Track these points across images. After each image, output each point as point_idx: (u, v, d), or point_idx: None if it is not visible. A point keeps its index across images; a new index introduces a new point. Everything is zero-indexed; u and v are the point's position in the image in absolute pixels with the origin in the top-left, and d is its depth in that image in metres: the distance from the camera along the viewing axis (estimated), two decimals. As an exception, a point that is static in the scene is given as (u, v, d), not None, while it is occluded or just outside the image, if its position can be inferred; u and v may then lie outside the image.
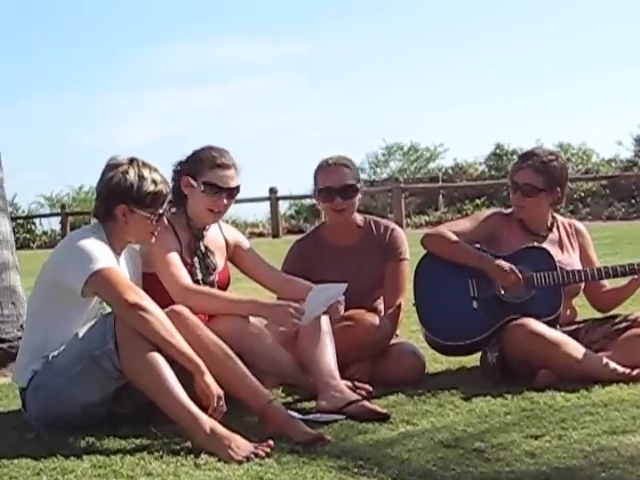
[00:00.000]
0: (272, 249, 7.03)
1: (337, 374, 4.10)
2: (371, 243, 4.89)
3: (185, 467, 3.32)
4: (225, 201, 4.37)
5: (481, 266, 4.65)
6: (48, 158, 43.19)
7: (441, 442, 3.52)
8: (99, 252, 3.84)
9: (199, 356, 3.66)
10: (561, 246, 4.87)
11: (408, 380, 4.55)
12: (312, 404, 4.12)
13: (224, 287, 4.46)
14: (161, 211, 4.03)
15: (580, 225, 5.07)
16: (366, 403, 3.98)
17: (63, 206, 26.50)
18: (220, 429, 3.49)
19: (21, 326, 5.41)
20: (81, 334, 3.84)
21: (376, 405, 4.01)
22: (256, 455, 3.39)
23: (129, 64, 47.08)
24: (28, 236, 26.18)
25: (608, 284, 4.95)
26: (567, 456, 3.28)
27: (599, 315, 4.94)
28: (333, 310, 4.28)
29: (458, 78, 44.88)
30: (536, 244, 4.78)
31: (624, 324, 4.64)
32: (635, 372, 4.36)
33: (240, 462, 3.35)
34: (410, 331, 5.74)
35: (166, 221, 4.12)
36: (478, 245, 4.83)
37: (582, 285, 4.84)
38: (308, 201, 25.40)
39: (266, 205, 23.47)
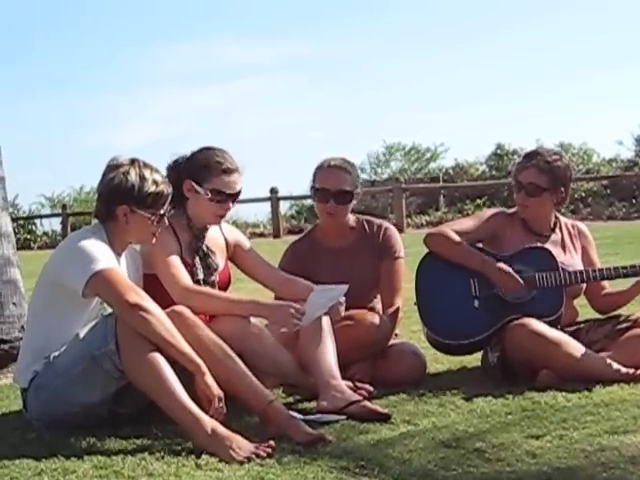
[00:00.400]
0: (273, 249, 7.02)
1: (338, 374, 4.10)
2: (365, 243, 4.88)
3: (186, 467, 3.32)
4: (231, 205, 4.38)
5: (483, 269, 4.65)
6: (49, 158, 43.26)
7: (442, 442, 3.52)
8: (100, 253, 3.84)
9: (200, 356, 3.66)
10: (563, 247, 4.87)
11: (409, 380, 4.55)
12: (313, 404, 4.12)
13: (225, 287, 4.47)
14: (162, 212, 4.03)
15: (583, 227, 5.07)
16: (367, 403, 3.98)
17: (64, 206, 26.50)
18: (221, 429, 3.49)
19: (22, 327, 5.41)
20: (82, 335, 3.84)
21: (377, 405, 4.01)
22: (257, 455, 3.39)
23: (130, 64, 47.13)
24: (29, 236, 26.17)
25: (608, 286, 4.95)
26: (568, 456, 3.28)
27: (600, 315, 4.94)
28: (334, 311, 4.28)
29: (459, 78, 44.95)
30: (538, 244, 4.78)
31: (625, 324, 4.65)
32: (639, 372, 4.36)
33: (241, 462, 3.35)
34: (411, 331, 5.75)
35: (166, 222, 4.11)
36: (480, 245, 4.83)
37: (584, 286, 4.84)
38: (309, 201, 25.33)
39: (267, 205, 23.50)
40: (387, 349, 4.70)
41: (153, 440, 3.70)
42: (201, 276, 4.36)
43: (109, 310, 3.88)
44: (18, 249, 6.18)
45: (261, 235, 22.79)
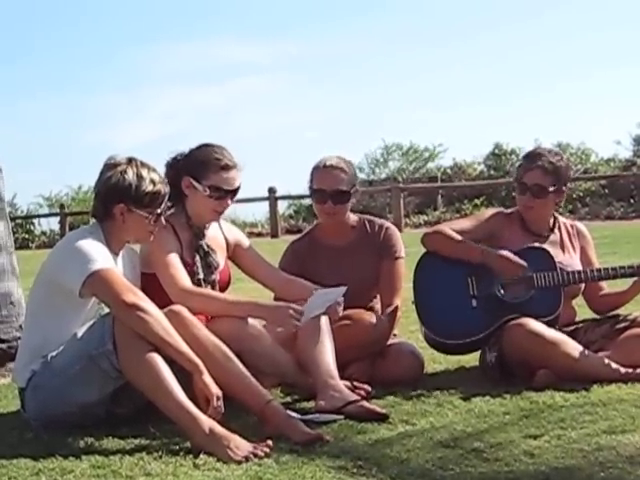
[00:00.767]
0: (271, 249, 7.01)
1: (336, 374, 4.10)
2: (365, 242, 4.88)
3: (184, 467, 3.32)
4: (229, 201, 4.38)
5: (484, 259, 4.65)
6: (48, 158, 43.24)
7: (440, 442, 3.52)
8: (97, 253, 3.84)
9: (198, 356, 3.66)
10: (562, 247, 4.87)
11: (407, 380, 4.55)
12: (311, 404, 4.12)
13: (225, 286, 4.47)
14: (159, 211, 4.03)
15: (582, 226, 5.07)
16: (365, 403, 3.98)
17: (62, 206, 26.50)
18: (219, 429, 3.49)
19: (20, 326, 5.41)
20: (80, 334, 3.84)
21: (375, 405, 4.01)
22: (255, 455, 3.39)
23: (130, 64, 47.12)
24: (27, 236, 26.18)
25: (606, 286, 4.95)
26: (566, 456, 3.28)
27: (598, 316, 4.94)
28: (332, 311, 4.28)
29: (457, 78, 44.96)
30: (537, 244, 4.78)
31: (623, 324, 4.65)
32: (639, 371, 4.36)
33: (239, 462, 3.35)
34: (409, 331, 5.74)
35: (164, 221, 4.11)
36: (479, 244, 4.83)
37: (582, 286, 4.85)
38: (307, 201, 25.35)
39: (265, 205, 23.49)
40: (385, 349, 4.70)
41: (151, 440, 3.69)
42: (202, 275, 4.35)
43: (107, 310, 3.88)
44: (16, 249, 6.18)
45: (259, 235, 22.79)
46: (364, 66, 45.65)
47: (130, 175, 3.97)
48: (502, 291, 4.66)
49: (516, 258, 4.61)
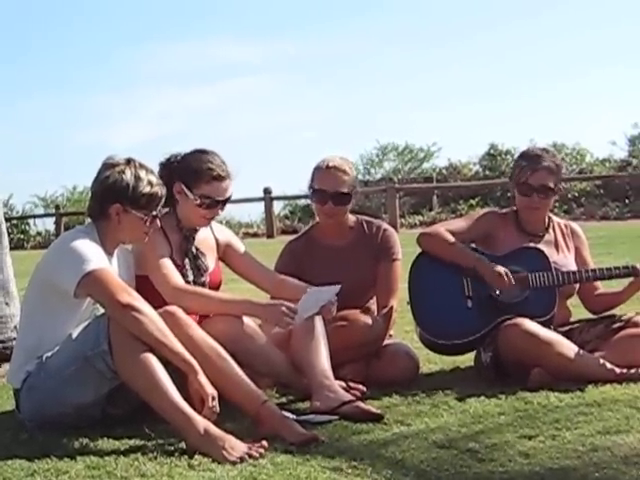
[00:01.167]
0: (266, 249, 7.03)
1: (331, 374, 4.10)
2: (363, 243, 4.89)
3: (179, 468, 3.32)
4: (220, 210, 4.38)
5: (476, 268, 4.65)
6: (43, 158, 43.15)
7: (435, 443, 3.53)
8: (92, 253, 3.83)
9: (193, 356, 3.66)
10: (556, 247, 4.88)
11: (402, 380, 4.55)
12: (306, 404, 4.12)
13: (215, 288, 4.46)
14: (155, 213, 4.03)
15: (576, 226, 5.08)
16: (360, 404, 3.98)
17: (57, 206, 26.49)
18: (214, 430, 3.49)
19: (15, 327, 5.41)
20: (75, 335, 3.84)
21: (370, 406, 4.02)
22: (250, 456, 3.39)
23: (125, 64, 47.06)
24: (22, 236, 26.15)
25: (601, 286, 4.95)
26: (561, 456, 3.28)
27: (593, 315, 4.94)
28: (325, 310, 4.28)
29: (452, 78, 44.95)
30: (531, 245, 4.79)
31: (618, 324, 4.65)
32: (634, 371, 4.36)
33: (234, 463, 3.35)
34: (404, 331, 5.75)
35: (158, 223, 4.11)
36: (473, 245, 4.84)
37: (577, 286, 4.85)
38: (302, 201, 25.41)
39: (260, 205, 23.50)
40: (381, 349, 4.70)
41: (146, 440, 3.69)
42: (191, 277, 4.36)
43: (102, 310, 3.88)
44: (11, 249, 6.17)
45: (254, 235, 22.80)
46: (360, 66, 45.71)
47: (128, 176, 3.97)
48: (497, 291, 4.66)
49: (508, 272, 4.60)
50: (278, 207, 25.75)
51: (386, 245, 4.89)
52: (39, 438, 3.76)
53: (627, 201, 23.01)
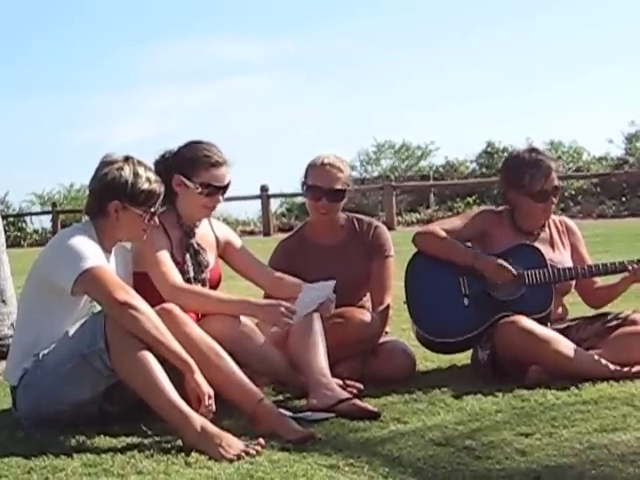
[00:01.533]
0: (263, 247, 7.01)
1: (328, 372, 4.10)
2: (355, 241, 4.88)
3: (176, 465, 3.31)
4: (220, 197, 4.38)
5: (474, 263, 4.65)
6: (42, 156, 43.11)
7: (432, 440, 3.53)
8: (89, 251, 3.83)
9: (190, 355, 3.66)
10: (552, 244, 4.88)
11: (399, 378, 4.55)
12: (303, 402, 4.12)
13: (215, 284, 4.46)
14: (153, 210, 4.03)
15: (571, 222, 5.08)
16: (357, 401, 3.98)
17: (54, 204, 26.47)
18: (211, 427, 3.49)
19: (12, 325, 5.40)
20: (71, 333, 3.84)
21: (367, 403, 4.01)
22: (247, 453, 3.39)
23: (124, 62, 47.06)
24: (19, 234, 26.12)
25: (600, 281, 4.96)
26: (557, 454, 3.28)
27: (590, 313, 4.94)
28: (324, 308, 4.28)
29: (449, 76, 44.99)
30: (527, 242, 4.79)
31: (615, 322, 4.65)
32: (630, 369, 4.37)
33: (231, 460, 3.35)
34: (401, 329, 5.75)
35: (157, 220, 4.11)
36: (469, 243, 4.84)
37: (573, 283, 4.86)
38: (299, 199, 25.35)
39: (257, 203, 23.47)
40: (377, 347, 4.70)
41: (143, 438, 3.69)
42: (192, 274, 4.35)
43: (99, 308, 3.87)
44: (8, 247, 6.17)
45: (251, 233, 22.79)
46: (360, 65, 45.78)
47: (126, 172, 3.97)
48: (493, 289, 4.66)
49: (506, 264, 4.61)
50: (275, 205, 25.79)
51: (378, 242, 4.89)
52: (36, 436, 3.75)
53: (624, 199, 23.01)
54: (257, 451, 3.42)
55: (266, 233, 21.98)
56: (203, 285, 4.37)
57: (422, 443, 3.50)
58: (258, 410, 3.72)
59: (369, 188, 25.07)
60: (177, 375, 3.63)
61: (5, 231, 6.22)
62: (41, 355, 3.88)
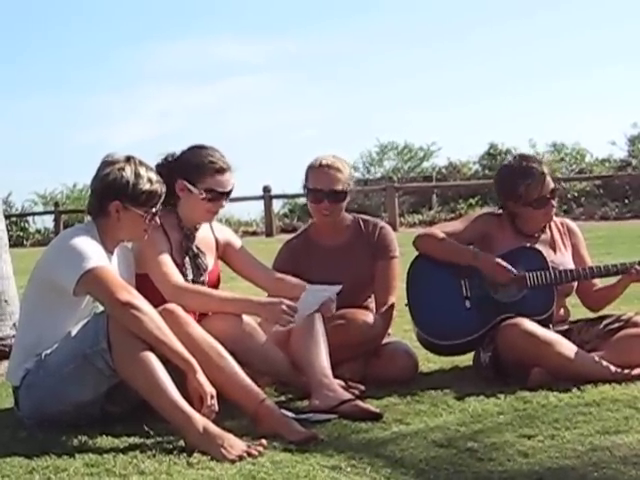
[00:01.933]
0: (266, 248, 7.02)
1: (330, 373, 4.10)
2: (360, 242, 4.88)
3: (178, 466, 3.31)
4: (224, 202, 4.38)
5: (475, 262, 4.65)
6: (43, 156, 43.13)
7: (434, 442, 3.53)
8: (91, 251, 3.83)
9: (192, 355, 3.66)
10: (553, 246, 4.88)
11: (401, 379, 4.55)
12: (305, 403, 4.12)
13: (214, 287, 4.46)
14: (155, 210, 4.03)
15: (572, 224, 5.08)
16: (359, 402, 3.98)
17: (56, 204, 26.46)
18: (213, 428, 3.49)
19: (14, 325, 5.40)
20: (74, 333, 3.84)
21: (369, 404, 4.01)
22: (249, 454, 3.39)
23: (124, 63, 47.07)
24: (21, 234, 26.12)
25: (599, 283, 4.96)
26: (560, 456, 3.28)
27: (592, 315, 4.95)
28: (325, 308, 4.28)
29: (450, 76, 44.92)
30: (528, 245, 4.79)
31: (617, 324, 4.65)
32: (634, 372, 4.37)
33: (233, 461, 3.35)
34: (403, 330, 5.74)
35: (158, 221, 4.11)
36: (471, 247, 4.84)
37: (575, 285, 4.86)
38: (302, 200, 25.31)
39: (260, 204, 23.48)
40: (379, 348, 4.70)
41: (145, 438, 3.69)
42: (190, 276, 4.36)
43: (101, 308, 3.87)
44: (10, 246, 6.17)
45: (254, 234, 22.77)
46: (362, 65, 45.73)
47: (128, 173, 3.97)
48: (495, 291, 4.66)
49: (505, 264, 4.60)
50: (277, 205, 25.78)
51: (383, 243, 4.89)
52: (38, 436, 3.76)
53: (627, 201, 23.00)
54: (259, 452, 3.41)
55: (268, 234, 21.97)
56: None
57: (424, 444, 3.50)
58: (260, 411, 3.72)
59: (372, 189, 25.07)
60: (179, 375, 3.63)
61: (8, 231, 6.23)
62: (43, 355, 3.88)
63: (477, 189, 24.70)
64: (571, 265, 4.82)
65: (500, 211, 4.95)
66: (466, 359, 4.89)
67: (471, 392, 4.26)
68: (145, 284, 4.14)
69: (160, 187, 4.05)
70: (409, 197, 25.97)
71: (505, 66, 44.27)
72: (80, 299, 3.91)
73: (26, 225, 27.15)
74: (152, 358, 3.61)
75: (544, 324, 4.54)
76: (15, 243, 22.21)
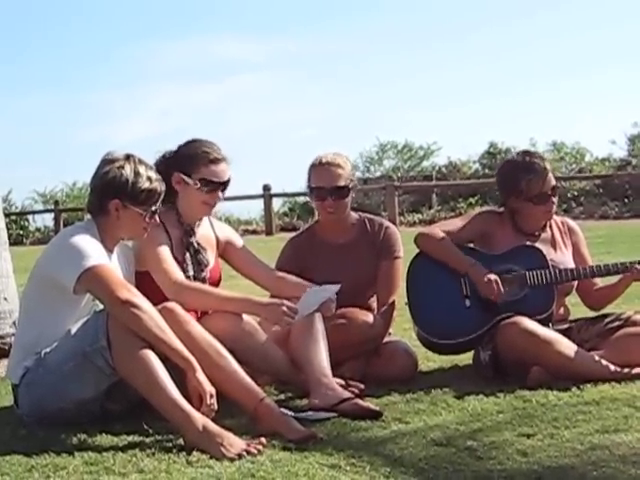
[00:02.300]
0: (266, 247, 7.03)
1: (329, 372, 4.10)
2: (365, 241, 4.88)
3: (177, 464, 3.32)
4: (220, 194, 4.38)
5: (469, 274, 4.66)
6: (45, 154, 43.14)
7: (433, 441, 3.53)
8: (91, 249, 3.83)
9: (191, 353, 3.66)
10: (553, 245, 4.88)
11: (401, 378, 4.55)
12: (305, 402, 4.11)
13: (215, 284, 4.46)
14: (154, 208, 4.03)
15: (572, 223, 5.08)
16: (359, 401, 3.98)
17: (56, 202, 26.44)
18: (212, 426, 3.49)
19: (14, 323, 5.40)
20: (73, 331, 3.84)
21: (369, 403, 4.01)
22: (248, 452, 3.39)
23: (126, 61, 47.10)
24: (21, 232, 26.12)
25: (600, 282, 4.95)
26: (559, 455, 3.28)
27: (592, 314, 4.94)
28: (325, 308, 4.28)
29: (450, 76, 44.91)
30: (528, 243, 4.79)
31: (617, 323, 4.65)
32: (631, 370, 4.37)
33: (232, 459, 3.35)
34: (403, 329, 5.74)
35: (157, 219, 4.11)
36: (471, 245, 4.84)
37: (575, 284, 4.85)
38: (302, 198, 25.34)
39: (260, 202, 23.45)
40: (379, 347, 4.70)
41: (144, 437, 3.69)
42: (191, 272, 4.35)
43: (101, 306, 3.88)
44: (10, 245, 6.17)
45: (254, 232, 22.75)
46: (362, 64, 45.73)
47: (127, 171, 3.97)
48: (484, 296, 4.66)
49: (498, 281, 4.59)
50: (277, 204, 25.76)
51: (388, 243, 4.89)
52: (37, 434, 3.76)
53: (626, 200, 22.98)
54: (258, 450, 3.42)
55: (268, 232, 21.96)
56: (203, 284, 4.37)
57: (424, 443, 3.50)
58: (260, 409, 3.72)
59: (371, 188, 25.05)
60: (179, 374, 3.63)
61: (7, 229, 6.23)
62: (43, 353, 3.88)
63: (477, 188, 24.69)
64: (571, 264, 4.82)
65: (501, 209, 4.95)
66: (466, 358, 4.89)
67: (470, 391, 4.26)
68: (145, 282, 4.15)
69: (159, 185, 4.05)
70: (409, 196, 25.95)
71: (504, 65, 44.34)
72: (80, 297, 3.91)
73: (26, 223, 27.15)
74: (152, 356, 3.61)
75: (544, 323, 4.54)
76: (15, 241, 22.21)
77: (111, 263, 3.96)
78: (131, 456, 3.42)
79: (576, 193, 23.72)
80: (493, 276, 4.60)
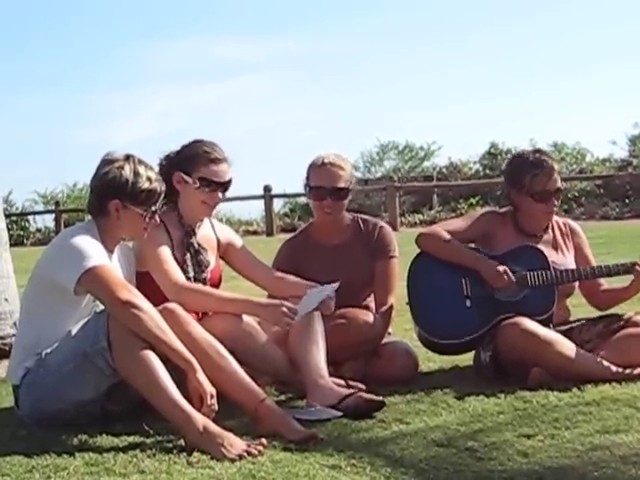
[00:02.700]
0: (266, 247, 7.01)
1: (326, 373, 4.09)
2: (360, 241, 4.88)
3: (178, 465, 3.31)
4: (220, 195, 4.38)
5: (475, 266, 4.65)
6: (45, 155, 43.19)
7: (434, 441, 3.52)
8: (92, 250, 3.83)
9: (192, 354, 3.66)
10: (555, 246, 4.88)
11: (401, 379, 4.55)
12: (304, 402, 4.11)
13: (216, 285, 4.46)
14: (154, 208, 4.03)
15: (575, 224, 5.08)
16: (362, 393, 3.99)
17: (57, 203, 26.49)
18: (213, 427, 3.49)
19: (14, 323, 5.40)
20: (74, 332, 3.84)
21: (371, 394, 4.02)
22: (249, 453, 3.39)
23: (126, 61, 47.17)
24: (22, 233, 26.15)
25: (605, 282, 4.95)
26: (560, 455, 3.28)
27: (593, 315, 4.94)
28: (324, 306, 4.28)
29: (451, 76, 45.01)
30: (530, 244, 4.78)
31: (617, 324, 4.65)
32: (632, 371, 4.37)
33: (233, 460, 3.35)
34: (403, 330, 5.74)
35: (157, 219, 4.11)
36: (473, 245, 4.84)
37: (576, 285, 4.85)
38: (302, 199, 25.34)
39: (260, 203, 23.50)
40: (380, 347, 4.70)
41: (145, 437, 3.69)
42: (192, 273, 4.35)
43: (101, 307, 3.87)
44: (11, 245, 6.17)
45: (254, 233, 22.79)
46: (362, 64, 45.80)
47: (127, 171, 3.97)
48: (496, 291, 4.66)
49: (507, 270, 4.59)
50: (278, 205, 25.77)
51: (382, 243, 4.89)
52: (38, 434, 3.76)
53: (627, 201, 23.01)
54: (259, 451, 3.41)
55: (269, 233, 21.99)
56: (203, 285, 4.37)
57: (424, 444, 3.50)
58: (260, 410, 3.72)
59: (372, 189, 25.07)
60: (179, 374, 3.63)
61: (8, 230, 6.23)
62: (43, 354, 3.88)
63: (478, 189, 24.71)
64: (572, 266, 4.82)
65: (503, 210, 4.95)
66: (466, 358, 4.89)
67: (471, 391, 4.26)
68: (146, 282, 4.15)
69: (159, 185, 4.05)
70: (410, 197, 25.97)
71: (505, 66, 44.38)
72: (80, 298, 3.91)
73: (26, 224, 27.18)
74: (152, 357, 3.61)
75: (545, 324, 4.53)
76: (15, 242, 22.21)
77: (111, 264, 3.96)
78: (132, 457, 3.42)
79: (577, 194, 23.74)
80: (503, 267, 4.60)
